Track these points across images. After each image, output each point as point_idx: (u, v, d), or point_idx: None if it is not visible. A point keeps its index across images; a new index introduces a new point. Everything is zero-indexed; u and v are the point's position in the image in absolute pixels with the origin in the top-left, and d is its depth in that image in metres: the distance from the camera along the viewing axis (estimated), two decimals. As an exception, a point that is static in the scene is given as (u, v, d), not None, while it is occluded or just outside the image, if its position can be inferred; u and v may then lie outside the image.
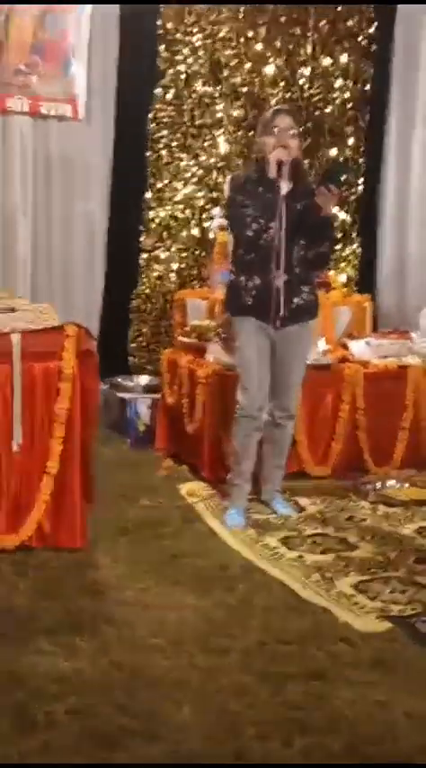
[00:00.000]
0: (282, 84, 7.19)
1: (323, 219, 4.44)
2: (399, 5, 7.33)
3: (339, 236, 7.35)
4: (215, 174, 7.09)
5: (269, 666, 3.09)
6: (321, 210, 4.38)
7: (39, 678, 2.93)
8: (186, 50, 6.95)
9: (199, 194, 7.09)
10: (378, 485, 5.30)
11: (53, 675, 2.96)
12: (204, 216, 7.06)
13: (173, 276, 7.10)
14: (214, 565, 3.99)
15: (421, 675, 3.05)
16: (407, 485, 5.34)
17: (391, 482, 5.35)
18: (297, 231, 4.45)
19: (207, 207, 7.07)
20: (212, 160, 7.08)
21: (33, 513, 3.97)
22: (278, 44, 7.15)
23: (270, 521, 4.68)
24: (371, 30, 7.34)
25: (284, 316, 4.49)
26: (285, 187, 4.48)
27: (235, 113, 7.08)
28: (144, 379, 6.63)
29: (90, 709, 2.77)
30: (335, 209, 6.78)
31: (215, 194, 7.05)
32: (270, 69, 7.13)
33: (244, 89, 7.10)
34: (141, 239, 7.06)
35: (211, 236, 6.75)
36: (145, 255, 7.07)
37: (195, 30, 6.95)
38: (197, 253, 7.12)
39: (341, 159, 7.26)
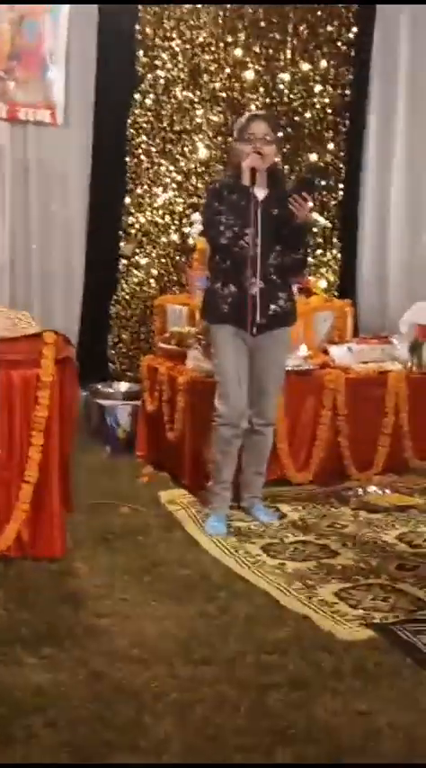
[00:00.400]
0: (262, 89, 7.18)
1: (297, 226, 4.43)
2: (378, 11, 7.33)
3: (319, 241, 7.36)
4: (194, 179, 7.07)
5: (250, 676, 3.06)
6: (295, 218, 4.37)
7: (18, 690, 2.90)
8: (165, 55, 6.93)
9: (179, 200, 7.07)
10: (360, 491, 5.29)
11: (32, 687, 2.92)
12: (184, 221, 7.04)
13: (152, 282, 7.07)
14: (195, 573, 3.96)
15: (403, 684, 3.04)
16: (389, 491, 5.33)
17: (372, 488, 5.34)
18: (272, 238, 4.44)
19: (186, 212, 7.04)
20: (192, 166, 7.06)
21: (12, 523, 3.93)
22: (257, 49, 7.14)
23: (252, 528, 4.66)
24: (351, 35, 7.34)
25: (261, 323, 4.48)
26: (261, 193, 4.47)
27: (215, 119, 7.07)
28: (124, 386, 6.59)
29: (69, 721, 2.73)
30: (314, 215, 6.78)
31: (195, 200, 7.03)
32: (249, 74, 7.12)
33: (224, 94, 7.09)
34: (120, 245, 7.02)
35: (191, 241, 6.73)
36: (124, 261, 7.04)
37: (174, 35, 6.92)
38: (177, 258, 7.09)
39: (315, 166, 7.25)
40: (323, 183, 7.29)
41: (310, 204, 4.42)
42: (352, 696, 2.94)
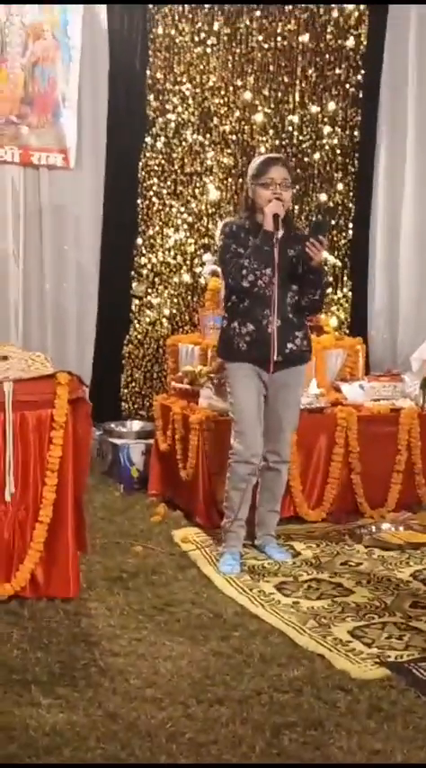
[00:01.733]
0: (271, 131, 7.28)
1: (315, 268, 4.48)
2: (386, 53, 7.43)
3: (330, 279, 7.40)
4: (205, 220, 7.15)
5: (265, 716, 3.05)
6: (311, 260, 4.42)
7: (32, 731, 2.90)
8: (175, 99, 7.04)
9: (190, 240, 7.14)
10: (373, 528, 5.28)
11: (46, 728, 2.92)
12: (195, 262, 7.10)
13: (165, 321, 7.13)
14: (209, 612, 3.96)
15: (419, 723, 3.02)
16: (402, 528, 5.32)
17: (386, 525, 5.33)
18: (289, 277, 4.49)
19: (198, 253, 7.12)
20: (202, 207, 7.14)
21: (26, 563, 3.95)
22: (266, 92, 7.24)
23: (265, 566, 4.65)
24: (359, 77, 7.43)
25: (278, 361, 4.51)
26: (277, 235, 4.51)
27: (225, 161, 7.16)
28: (137, 425, 6.62)
29: (84, 762, 2.73)
30: (325, 253, 6.82)
31: (206, 240, 7.10)
32: (259, 117, 7.22)
33: (234, 137, 7.18)
34: (133, 285, 7.09)
35: (202, 281, 6.79)
36: (136, 301, 7.10)
37: (184, 79, 7.04)
38: (189, 298, 7.15)
39: (325, 206, 7.32)
40: (333, 222, 7.35)
41: (325, 246, 4.47)
42: (367, 735, 2.93)
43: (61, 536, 4.00)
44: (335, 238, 7.48)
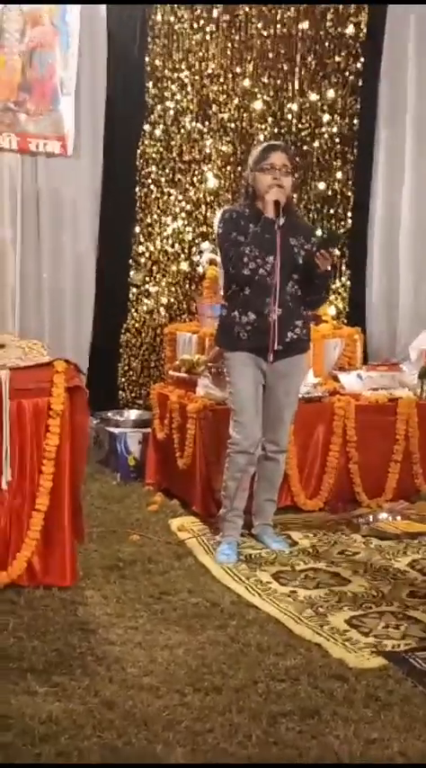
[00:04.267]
0: (270, 119, 7.25)
1: (322, 275, 4.50)
2: (385, 40, 7.40)
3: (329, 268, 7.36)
4: (204, 208, 7.12)
5: (262, 705, 3.05)
6: (318, 268, 4.43)
7: (29, 719, 2.89)
8: (174, 87, 7.01)
9: (189, 229, 7.11)
10: (370, 518, 5.28)
11: (43, 716, 2.91)
12: (193, 250, 7.08)
13: (162, 310, 7.11)
14: (205, 601, 3.95)
15: (416, 712, 3.02)
16: (399, 517, 5.31)
17: (383, 515, 5.33)
18: (291, 266, 4.47)
19: (196, 241, 7.09)
20: (201, 195, 7.11)
21: (23, 551, 3.94)
22: (265, 80, 7.21)
23: (262, 555, 4.65)
24: (358, 65, 7.40)
25: (278, 350, 4.49)
26: (278, 223, 4.49)
27: (224, 149, 7.13)
28: (134, 414, 6.62)
29: (80, 750, 2.72)
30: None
31: (204, 229, 7.08)
32: (258, 105, 7.18)
33: (233, 125, 7.15)
34: (130, 273, 7.07)
35: (200, 270, 6.76)
36: (134, 290, 7.08)
37: (183, 66, 7.01)
38: (186, 287, 7.13)
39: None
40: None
41: (335, 258, 4.52)
42: (364, 724, 2.93)
43: (58, 524, 3.99)
44: (334, 227, 7.45)
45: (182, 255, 7.13)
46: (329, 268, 4.50)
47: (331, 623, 3.77)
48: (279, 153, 4.50)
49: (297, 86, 7.30)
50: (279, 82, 7.26)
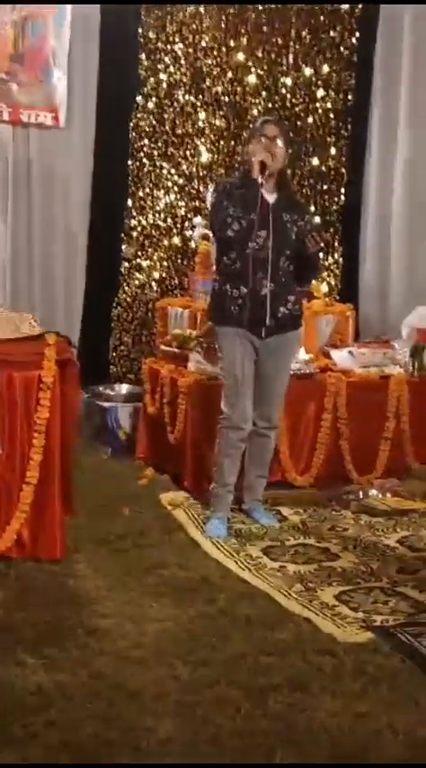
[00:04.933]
0: (264, 93, 7.18)
1: (313, 254, 4.51)
2: (381, 16, 7.35)
3: (322, 245, 7.34)
4: (196, 182, 7.08)
5: (251, 678, 3.06)
6: (307, 248, 4.45)
7: (18, 690, 2.90)
8: (167, 59, 6.94)
9: (181, 203, 7.07)
10: (361, 494, 5.29)
11: (32, 688, 2.92)
12: (186, 225, 7.04)
13: (154, 285, 7.08)
14: (195, 575, 3.96)
15: (404, 686, 3.04)
16: (389, 494, 5.33)
17: (373, 492, 5.34)
18: (283, 241, 4.46)
19: (188, 216, 7.05)
20: (194, 169, 7.07)
21: (12, 524, 3.94)
22: (259, 53, 7.14)
23: (253, 530, 4.66)
24: (353, 40, 7.33)
25: (270, 325, 4.49)
26: (271, 198, 4.50)
27: (217, 123, 7.07)
28: (125, 388, 6.60)
29: (70, 721, 2.73)
30: (316, 218, 6.80)
31: (197, 203, 7.04)
32: (251, 79, 7.12)
33: (226, 98, 7.09)
34: (123, 247, 7.03)
35: (193, 245, 6.73)
36: (126, 264, 7.04)
37: (177, 38, 6.93)
38: (179, 262, 7.10)
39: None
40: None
41: (325, 242, 4.53)
42: (352, 698, 2.94)
43: (48, 497, 3.99)
44: (327, 204, 7.42)
45: (175, 230, 7.08)
46: (319, 248, 4.52)
47: (320, 598, 3.79)
48: (272, 125, 4.56)
49: (291, 61, 7.23)
50: (273, 56, 7.18)
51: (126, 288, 7.06)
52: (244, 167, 4.59)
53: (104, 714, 2.78)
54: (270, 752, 2.63)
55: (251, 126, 4.75)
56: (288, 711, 2.86)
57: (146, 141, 6.98)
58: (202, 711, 2.83)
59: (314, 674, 3.10)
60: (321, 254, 7.04)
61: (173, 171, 7.04)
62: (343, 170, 7.47)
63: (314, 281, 6.39)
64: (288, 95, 7.24)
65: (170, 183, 7.04)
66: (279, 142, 4.50)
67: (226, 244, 4.48)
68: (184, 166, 7.05)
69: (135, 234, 7.03)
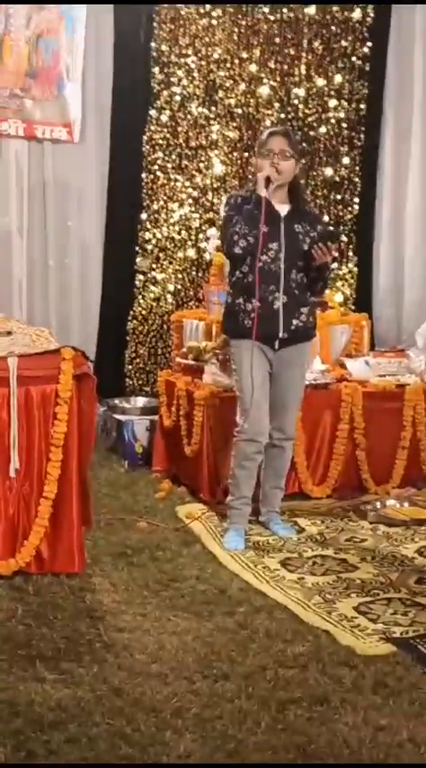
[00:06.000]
0: (277, 104, 7.21)
1: (319, 267, 4.49)
2: (392, 25, 7.36)
3: (335, 255, 7.34)
4: (210, 195, 7.10)
5: (270, 691, 3.05)
6: (314, 260, 4.43)
7: (38, 706, 2.90)
8: (180, 72, 6.97)
9: (195, 215, 7.09)
10: (378, 504, 5.27)
11: (52, 703, 2.92)
12: (200, 237, 7.06)
13: (169, 297, 7.09)
14: (213, 588, 3.96)
15: (424, 698, 3.02)
16: (407, 504, 5.31)
17: (391, 501, 5.32)
18: (296, 253, 4.46)
19: (203, 228, 7.07)
20: (207, 181, 7.09)
21: (31, 539, 3.94)
22: (272, 65, 7.17)
23: (270, 542, 4.65)
24: (365, 49, 7.35)
25: (283, 338, 4.49)
26: (283, 209, 4.51)
27: (230, 134, 7.10)
28: (141, 401, 6.61)
29: (89, 737, 2.73)
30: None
31: (211, 215, 7.05)
32: (264, 90, 7.15)
33: (239, 110, 7.12)
34: (137, 260, 7.05)
35: (207, 256, 6.75)
36: (141, 277, 7.06)
37: (189, 51, 6.97)
38: (193, 273, 7.11)
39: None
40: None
41: (334, 254, 4.47)
42: (373, 711, 2.93)
43: (66, 511, 4.00)
44: (341, 213, 7.43)
45: (189, 242, 7.11)
46: (328, 260, 4.48)
47: (339, 610, 3.77)
48: (277, 137, 4.50)
49: (303, 71, 7.26)
50: (285, 67, 7.21)
51: (141, 300, 7.08)
52: (254, 181, 4.59)
53: (123, 730, 2.78)
54: (290, 766, 2.62)
55: (260, 136, 4.69)
56: (309, 725, 2.85)
57: (159, 154, 7.01)
58: (222, 726, 2.82)
59: (333, 687, 3.09)
60: (334, 265, 7.12)
61: (186, 183, 7.07)
62: (357, 179, 7.49)
63: (328, 291, 6.42)
64: (301, 106, 7.27)
65: (184, 196, 7.07)
66: (287, 153, 4.47)
67: (235, 260, 4.49)
68: (198, 179, 7.08)
69: (150, 247, 7.06)
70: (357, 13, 7.28)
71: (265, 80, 7.16)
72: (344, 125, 7.38)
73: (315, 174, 7.34)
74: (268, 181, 4.42)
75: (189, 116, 7.02)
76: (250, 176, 4.82)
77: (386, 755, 2.69)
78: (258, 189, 4.44)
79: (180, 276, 7.11)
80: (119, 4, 6.73)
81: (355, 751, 2.70)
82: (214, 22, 6.99)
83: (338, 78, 7.30)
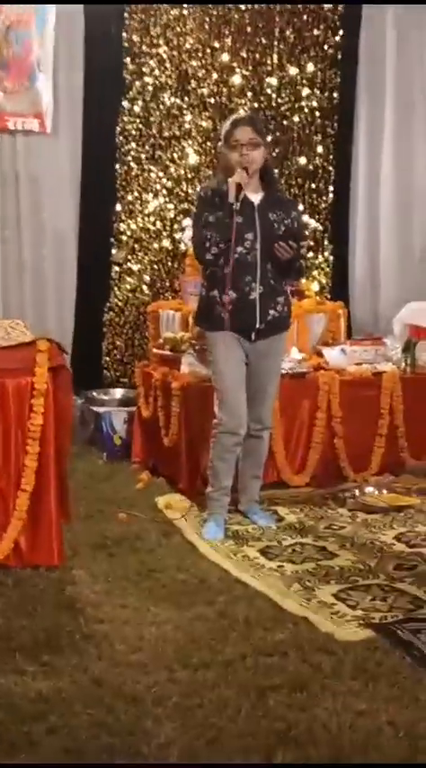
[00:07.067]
0: (250, 93, 7.20)
1: (285, 262, 4.41)
2: (364, 13, 7.36)
3: (311, 244, 7.35)
4: (185, 185, 7.09)
5: (250, 679, 3.06)
6: (279, 258, 4.38)
7: (18, 698, 2.89)
8: (153, 62, 6.95)
9: (170, 206, 7.08)
10: (357, 492, 5.29)
11: (32, 695, 2.92)
12: (175, 227, 7.05)
13: (145, 288, 7.08)
14: (193, 578, 3.96)
15: (403, 683, 3.03)
16: (385, 491, 5.33)
17: (369, 489, 5.35)
18: (271, 242, 4.39)
19: (178, 218, 7.06)
20: (182, 171, 7.07)
21: (9, 532, 3.92)
22: (244, 54, 7.16)
23: (249, 531, 4.66)
24: (337, 38, 7.35)
25: (260, 328, 4.47)
26: (256, 198, 4.47)
27: (204, 124, 7.09)
28: (118, 393, 6.61)
29: (71, 728, 2.73)
30: (305, 217, 6.77)
31: (186, 206, 7.04)
32: (237, 79, 7.14)
33: (212, 100, 7.11)
34: (112, 252, 7.03)
35: (183, 247, 6.74)
36: (117, 268, 7.05)
37: (161, 41, 6.94)
38: (169, 264, 7.10)
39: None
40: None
41: (303, 251, 4.44)
42: (352, 696, 2.94)
43: (44, 504, 3.98)
44: (316, 202, 7.44)
45: (164, 233, 7.09)
46: (290, 257, 4.39)
47: (318, 597, 3.79)
48: (243, 127, 4.42)
49: (276, 60, 7.25)
50: (257, 56, 7.20)
51: (117, 292, 7.06)
52: (222, 170, 4.51)
53: (104, 719, 2.78)
54: (270, 752, 2.63)
55: (224, 125, 4.60)
56: (289, 711, 2.85)
57: (133, 145, 6.99)
58: (202, 714, 2.83)
59: (313, 674, 3.10)
60: (310, 254, 7.11)
61: (161, 174, 7.05)
62: (331, 168, 7.49)
63: (304, 280, 6.43)
64: (274, 95, 7.27)
65: (158, 186, 7.05)
66: (254, 142, 4.39)
67: (206, 265, 4.46)
68: (172, 169, 7.06)
69: (125, 238, 7.04)
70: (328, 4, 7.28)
71: (237, 69, 7.14)
72: (317, 114, 7.38)
73: (288, 163, 7.34)
74: (239, 188, 4.34)
75: (161, 106, 7.00)
76: (218, 164, 4.72)
77: (365, 740, 2.70)
78: (229, 197, 4.34)
79: (155, 267, 7.10)
80: (92, 4, 6.69)
81: (335, 736, 2.71)
82: (185, 11, 6.97)
83: (310, 67, 7.30)
